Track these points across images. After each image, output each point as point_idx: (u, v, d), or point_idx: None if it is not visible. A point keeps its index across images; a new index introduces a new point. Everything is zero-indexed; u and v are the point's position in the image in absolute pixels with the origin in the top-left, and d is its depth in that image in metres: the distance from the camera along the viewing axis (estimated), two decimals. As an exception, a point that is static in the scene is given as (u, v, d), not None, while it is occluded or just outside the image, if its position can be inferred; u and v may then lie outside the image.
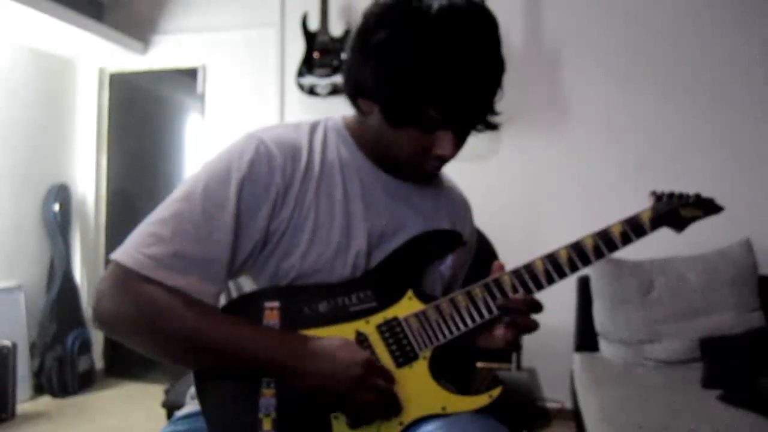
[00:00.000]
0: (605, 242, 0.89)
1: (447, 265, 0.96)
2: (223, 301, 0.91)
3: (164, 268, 0.77)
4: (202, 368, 0.81)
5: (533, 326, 0.87)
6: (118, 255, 0.78)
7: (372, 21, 0.83)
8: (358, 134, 0.93)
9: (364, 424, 0.79)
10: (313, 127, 0.93)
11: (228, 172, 0.82)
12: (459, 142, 0.86)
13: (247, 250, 0.83)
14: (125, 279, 0.77)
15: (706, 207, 0.97)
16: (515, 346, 0.91)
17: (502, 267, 0.90)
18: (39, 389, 2.98)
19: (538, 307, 0.87)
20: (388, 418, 0.80)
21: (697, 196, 0.97)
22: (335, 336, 0.81)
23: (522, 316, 0.86)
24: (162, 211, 0.81)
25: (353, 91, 0.88)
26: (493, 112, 0.87)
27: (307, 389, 0.78)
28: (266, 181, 0.83)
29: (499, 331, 0.89)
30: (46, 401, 2.93)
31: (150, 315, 0.76)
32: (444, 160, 0.87)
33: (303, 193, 0.85)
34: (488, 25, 0.82)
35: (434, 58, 0.78)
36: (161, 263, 0.77)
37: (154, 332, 0.77)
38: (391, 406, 0.80)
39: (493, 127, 0.89)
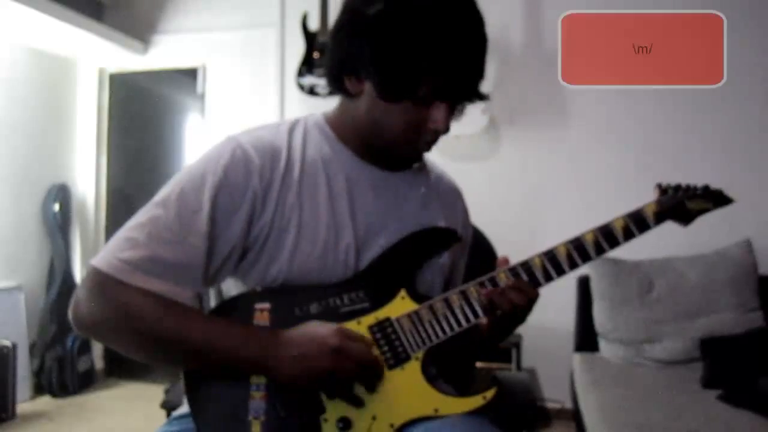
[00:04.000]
0: (606, 237, 0.87)
1: (445, 256, 0.95)
2: (213, 303, 0.91)
3: (139, 272, 0.77)
4: (181, 367, 0.82)
5: (534, 297, 0.86)
6: (95, 260, 0.78)
7: None
8: (341, 127, 0.91)
9: (349, 397, 0.79)
10: (293, 126, 0.91)
11: (203, 177, 0.82)
12: (451, 116, 0.86)
13: (223, 254, 0.82)
14: (101, 284, 0.77)
15: (716, 199, 0.94)
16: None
17: (507, 261, 0.88)
18: (39, 389, 2.97)
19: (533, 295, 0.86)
20: (373, 382, 0.80)
21: (706, 188, 0.94)
22: (310, 322, 0.81)
23: (511, 304, 0.84)
24: (139, 216, 0.81)
25: (339, 72, 0.86)
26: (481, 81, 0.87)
27: (288, 378, 0.77)
28: (243, 185, 0.82)
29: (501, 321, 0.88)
30: (46, 401, 2.93)
31: (125, 318, 0.77)
32: (437, 134, 0.86)
33: (284, 194, 0.84)
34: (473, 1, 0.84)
35: (431, 29, 0.78)
36: (137, 267, 0.77)
37: (129, 334, 0.78)
38: (374, 368, 0.80)
39: (484, 97, 0.89)
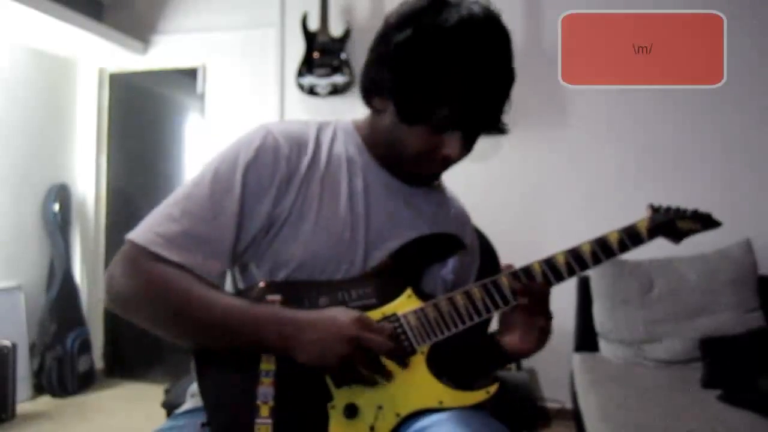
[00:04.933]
0: (602, 249, 0.91)
1: (449, 269, 0.98)
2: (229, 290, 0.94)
3: (173, 246, 0.81)
4: (207, 344, 0.83)
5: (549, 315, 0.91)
6: (132, 234, 0.83)
7: (395, 22, 0.88)
8: (367, 135, 0.97)
9: (368, 384, 0.80)
10: (323, 125, 0.97)
11: (236, 159, 0.87)
12: (467, 146, 0.89)
13: (251, 233, 0.87)
14: (137, 256, 0.81)
15: (704, 221, 0.98)
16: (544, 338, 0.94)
17: (511, 267, 0.91)
18: (39, 389, 2.98)
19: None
20: (389, 375, 0.81)
21: (695, 211, 0.98)
22: (330, 308, 0.83)
23: (541, 303, 0.89)
24: (176, 194, 0.87)
25: (369, 90, 0.92)
26: (501, 119, 0.92)
27: (305, 360, 0.79)
28: (271, 168, 0.87)
29: (528, 330, 0.91)
30: (46, 401, 2.93)
31: (159, 290, 0.81)
32: (449, 162, 0.91)
33: (307, 183, 0.89)
34: (504, 37, 0.88)
35: (452, 60, 0.83)
36: (170, 241, 0.82)
37: (164, 307, 0.81)
38: (397, 356, 0.81)
39: (502, 131, 0.93)
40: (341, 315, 0.81)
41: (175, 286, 0.80)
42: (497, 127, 0.92)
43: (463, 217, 1.08)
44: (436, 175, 0.98)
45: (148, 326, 0.83)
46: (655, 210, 0.96)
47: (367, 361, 0.79)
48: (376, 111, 0.93)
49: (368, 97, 0.93)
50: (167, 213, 0.84)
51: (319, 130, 0.95)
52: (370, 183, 0.94)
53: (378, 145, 0.95)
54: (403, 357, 0.82)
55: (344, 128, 0.98)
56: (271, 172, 0.87)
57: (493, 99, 0.88)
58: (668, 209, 0.96)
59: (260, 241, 0.88)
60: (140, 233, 0.83)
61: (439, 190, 1.06)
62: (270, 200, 0.87)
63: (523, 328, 0.91)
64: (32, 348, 3.00)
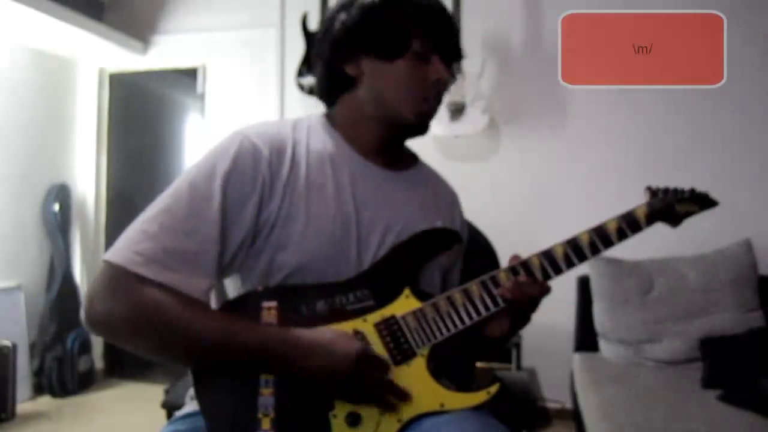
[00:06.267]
0: (601, 238, 0.90)
1: (445, 256, 0.97)
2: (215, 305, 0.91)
3: (154, 264, 0.76)
4: (198, 366, 0.81)
5: (545, 290, 0.89)
6: (109, 255, 0.78)
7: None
8: (344, 125, 0.96)
9: (366, 408, 0.80)
10: (297, 122, 0.95)
11: (213, 167, 0.84)
12: (449, 71, 0.94)
13: (236, 243, 0.83)
14: (117, 278, 0.76)
15: (701, 202, 0.97)
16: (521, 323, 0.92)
17: (518, 258, 0.91)
18: (39, 389, 2.98)
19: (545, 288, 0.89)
20: (391, 406, 0.80)
21: (692, 191, 0.97)
22: (329, 329, 0.81)
23: (527, 297, 0.87)
24: (151, 209, 0.82)
25: (337, 65, 0.93)
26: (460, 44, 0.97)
27: (305, 382, 0.78)
28: (252, 173, 0.84)
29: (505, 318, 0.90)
30: (46, 401, 2.93)
31: (144, 313, 0.76)
32: (440, 85, 0.92)
33: (292, 184, 0.86)
34: None
35: None
36: (151, 259, 0.76)
37: (149, 331, 0.77)
38: (392, 393, 0.81)
39: (463, 56, 0.98)
40: (342, 346, 0.78)
41: (163, 309, 0.76)
42: (460, 52, 0.96)
43: (451, 200, 1.08)
44: (428, 115, 0.95)
45: (133, 350, 0.79)
46: (653, 193, 0.96)
47: (367, 393, 0.79)
48: (349, 85, 0.93)
49: (338, 76, 0.93)
50: (145, 230, 0.78)
51: (294, 127, 0.93)
52: (356, 176, 0.92)
53: (358, 131, 0.94)
54: (399, 392, 0.81)
55: (318, 122, 0.96)
56: (252, 177, 0.84)
57: (450, 21, 0.94)
58: (666, 191, 0.96)
59: (247, 251, 0.85)
60: (117, 253, 0.77)
61: (423, 169, 1.05)
62: (253, 207, 0.83)
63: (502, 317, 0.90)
64: (32, 348, 3.00)
